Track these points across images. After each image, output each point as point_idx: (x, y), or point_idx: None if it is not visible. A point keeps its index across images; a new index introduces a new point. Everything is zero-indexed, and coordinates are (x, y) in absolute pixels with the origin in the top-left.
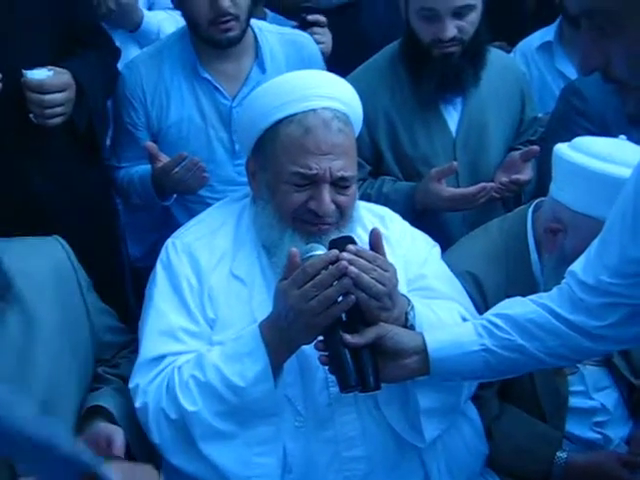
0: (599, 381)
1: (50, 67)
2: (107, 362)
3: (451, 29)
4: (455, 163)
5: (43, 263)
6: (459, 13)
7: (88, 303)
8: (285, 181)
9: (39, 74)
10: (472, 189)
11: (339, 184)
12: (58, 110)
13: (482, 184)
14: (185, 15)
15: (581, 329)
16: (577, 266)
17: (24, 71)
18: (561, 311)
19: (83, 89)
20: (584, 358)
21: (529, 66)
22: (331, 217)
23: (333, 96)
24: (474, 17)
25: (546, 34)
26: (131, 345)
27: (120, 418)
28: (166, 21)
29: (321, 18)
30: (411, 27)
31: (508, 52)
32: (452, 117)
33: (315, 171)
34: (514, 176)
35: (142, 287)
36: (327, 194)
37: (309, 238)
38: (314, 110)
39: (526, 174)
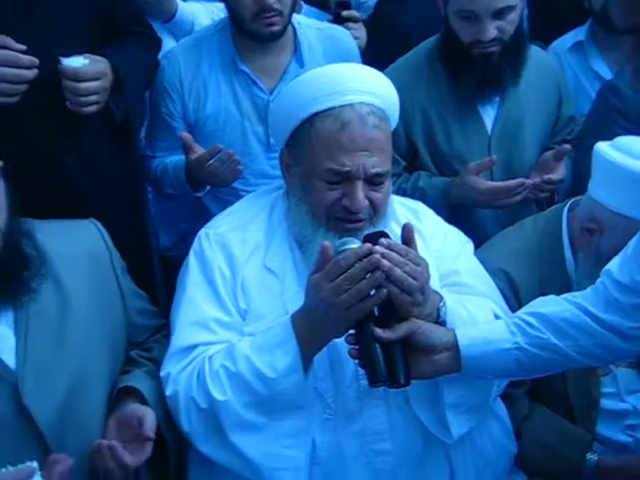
0: (632, 383)
1: (87, 55)
2: (140, 345)
3: (491, 30)
4: (494, 157)
5: (79, 245)
6: (499, 14)
7: (122, 285)
8: (318, 177)
9: (75, 62)
10: (510, 183)
11: (373, 181)
12: (92, 98)
13: (521, 179)
14: (229, 8)
15: (615, 329)
16: (613, 265)
17: (60, 58)
18: (595, 310)
19: (121, 78)
20: (617, 359)
21: (562, 67)
22: (364, 214)
23: (371, 91)
24: (514, 17)
25: (578, 34)
26: (163, 329)
27: (151, 400)
28: (200, 12)
29: (355, 13)
30: (450, 26)
31: None
32: (488, 114)
33: (349, 168)
34: (546, 176)
35: (171, 276)
36: (360, 191)
37: (343, 235)
38: (351, 105)
39: (559, 173)
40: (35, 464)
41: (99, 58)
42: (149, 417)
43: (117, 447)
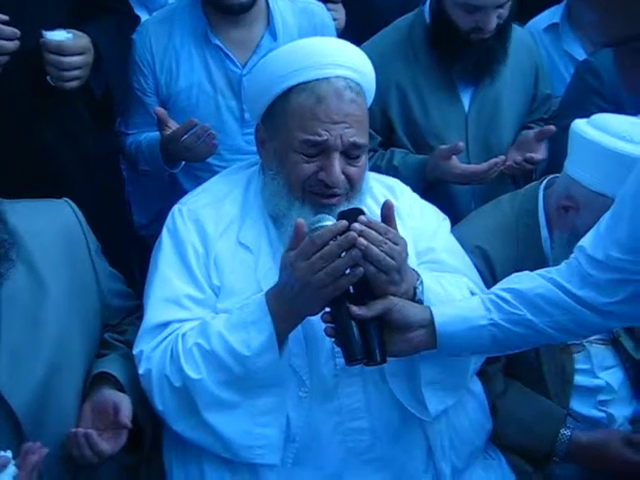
0: (605, 360)
1: (69, 30)
2: (114, 327)
3: (494, 20)
4: (461, 144)
5: (52, 225)
6: (502, 4)
7: (97, 267)
8: (295, 150)
9: (58, 35)
10: (483, 166)
11: (350, 153)
12: (75, 73)
13: (493, 160)
14: None
15: (590, 305)
16: (586, 241)
17: (43, 32)
18: (570, 286)
19: (101, 55)
20: (592, 334)
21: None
22: (341, 188)
23: (347, 65)
24: (510, 3)
25: (553, 15)
26: (138, 311)
27: (127, 385)
28: None
29: None
30: (446, 13)
31: None
32: (466, 92)
33: (325, 137)
34: (528, 154)
35: (147, 255)
36: (337, 164)
37: (318, 210)
38: (327, 79)
39: (540, 153)
40: (9, 453)
41: (81, 33)
42: (125, 404)
43: (93, 435)
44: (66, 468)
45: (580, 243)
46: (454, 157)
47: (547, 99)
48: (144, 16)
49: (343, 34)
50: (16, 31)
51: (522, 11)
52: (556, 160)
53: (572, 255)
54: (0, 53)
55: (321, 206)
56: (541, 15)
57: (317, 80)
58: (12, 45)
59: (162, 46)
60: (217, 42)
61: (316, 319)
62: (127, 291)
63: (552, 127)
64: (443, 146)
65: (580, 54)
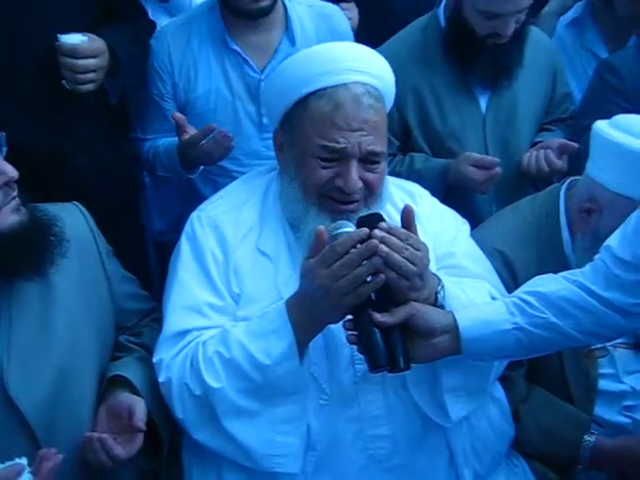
0: (630, 364)
1: (84, 33)
2: (129, 330)
3: (512, 26)
4: (497, 160)
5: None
6: (522, 10)
7: (108, 270)
8: (312, 155)
9: (73, 38)
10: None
11: (368, 160)
12: (90, 76)
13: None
14: None
15: (615, 306)
16: (613, 241)
17: (58, 35)
18: (595, 288)
19: (117, 59)
20: (618, 336)
21: (556, 42)
22: (358, 195)
23: (365, 70)
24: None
25: (576, 10)
26: (153, 312)
27: (142, 388)
28: None
29: None
30: (464, 18)
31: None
32: (483, 94)
33: (344, 145)
34: (550, 156)
35: (166, 261)
36: (355, 171)
37: (335, 216)
38: (345, 85)
39: (559, 163)
40: (24, 460)
41: (96, 37)
42: (139, 407)
43: (107, 440)
44: (81, 473)
45: (606, 243)
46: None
47: (565, 98)
48: (167, 22)
49: (358, 36)
50: None
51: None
52: (577, 161)
53: (597, 256)
54: None
55: (338, 212)
56: None
57: (335, 86)
58: None
59: (180, 51)
60: (235, 47)
61: (336, 326)
62: (142, 293)
63: (575, 145)
64: (471, 153)
65: (601, 50)
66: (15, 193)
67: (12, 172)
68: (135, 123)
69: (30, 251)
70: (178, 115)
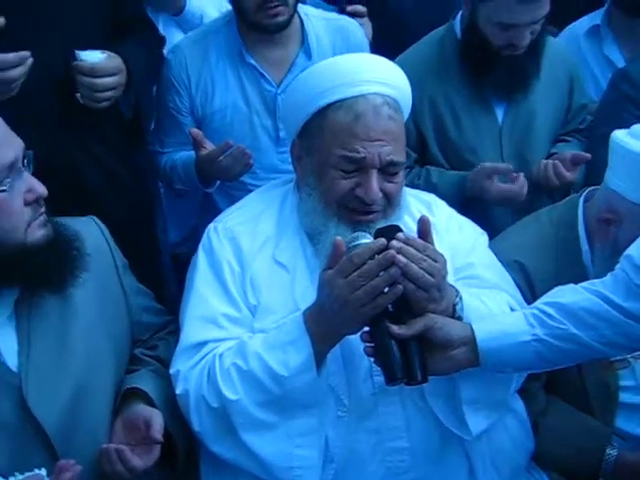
0: None
1: (102, 50)
2: (144, 343)
3: (528, 37)
4: (511, 166)
5: None
6: (537, 21)
7: (124, 284)
8: (332, 166)
9: (92, 56)
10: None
11: (387, 170)
12: (108, 94)
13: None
14: (233, 0)
15: (636, 316)
16: (634, 250)
17: (77, 52)
18: (615, 298)
19: (131, 75)
20: (639, 347)
21: (575, 52)
22: (378, 205)
23: (384, 81)
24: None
25: (594, 18)
26: (168, 326)
27: (158, 401)
28: (209, 5)
29: (360, 8)
30: (479, 29)
31: (554, 36)
32: (499, 105)
33: (363, 155)
34: (560, 169)
35: (182, 272)
36: (375, 181)
37: (355, 227)
38: (364, 95)
39: (571, 174)
40: (43, 471)
41: (113, 54)
42: (156, 419)
43: (125, 451)
44: None
45: (627, 252)
46: (494, 177)
47: (582, 109)
48: (179, 36)
49: (372, 51)
50: (24, 55)
51: (560, 14)
52: (594, 171)
53: (617, 266)
54: (6, 82)
55: (358, 223)
56: (581, 19)
57: (354, 97)
58: (19, 72)
59: (197, 66)
60: (252, 62)
61: (354, 337)
62: (157, 307)
63: (588, 156)
64: (487, 164)
65: (619, 59)
66: (43, 209)
67: (41, 189)
68: (151, 136)
69: (55, 265)
70: (195, 131)
